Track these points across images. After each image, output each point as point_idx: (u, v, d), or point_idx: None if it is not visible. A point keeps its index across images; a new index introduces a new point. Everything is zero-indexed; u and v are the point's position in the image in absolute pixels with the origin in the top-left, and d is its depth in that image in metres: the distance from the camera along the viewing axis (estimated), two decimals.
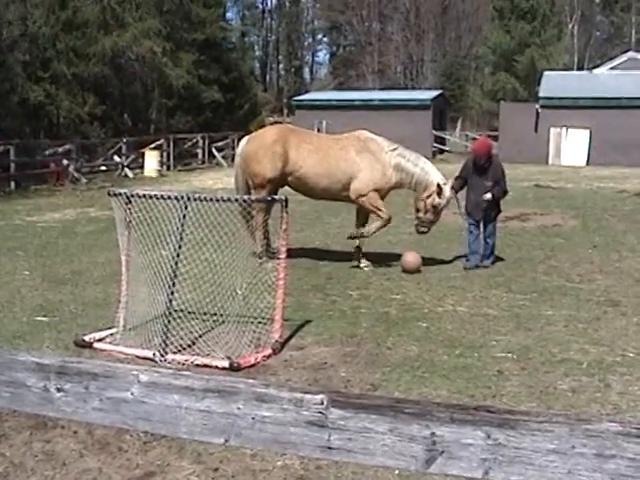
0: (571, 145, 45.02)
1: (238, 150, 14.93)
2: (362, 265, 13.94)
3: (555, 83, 48.34)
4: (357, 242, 14.17)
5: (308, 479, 5.83)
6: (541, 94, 47.71)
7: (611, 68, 53.12)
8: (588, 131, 44.55)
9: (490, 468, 2.01)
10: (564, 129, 45.07)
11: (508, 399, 7.56)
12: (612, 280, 13.17)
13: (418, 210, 14.19)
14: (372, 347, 9.28)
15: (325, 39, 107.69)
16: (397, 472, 5.81)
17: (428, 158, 15.16)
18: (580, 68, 69.73)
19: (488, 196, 13.88)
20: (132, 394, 2.35)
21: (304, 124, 35.85)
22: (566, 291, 12.32)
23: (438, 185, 13.74)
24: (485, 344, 9.44)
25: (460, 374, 8.31)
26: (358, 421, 2.10)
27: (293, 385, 2.19)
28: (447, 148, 52.59)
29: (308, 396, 2.14)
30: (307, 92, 69.91)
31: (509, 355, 9.00)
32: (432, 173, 13.96)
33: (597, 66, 59.86)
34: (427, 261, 14.37)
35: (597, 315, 10.88)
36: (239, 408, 2.21)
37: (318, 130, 46.13)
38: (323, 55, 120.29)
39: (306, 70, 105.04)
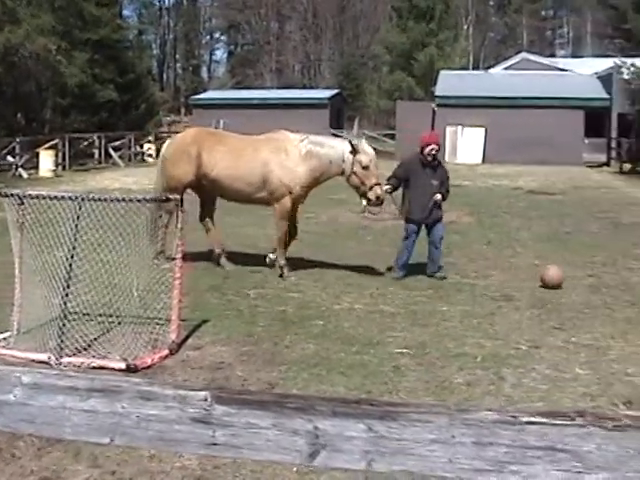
0: (467, 143, 45.89)
1: (160, 153, 14.81)
2: (272, 256, 13.58)
3: (451, 82, 49.16)
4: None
5: (206, 479, 5.82)
6: (437, 93, 48.55)
7: (505, 68, 54.37)
8: (483, 129, 45.50)
9: (373, 460, 2.04)
10: (460, 128, 45.89)
11: (405, 394, 7.65)
12: (506, 276, 13.45)
13: (361, 194, 13.24)
14: (269, 346, 9.29)
15: (223, 38, 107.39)
16: (295, 469, 5.83)
17: None
18: (476, 68, 71.08)
19: (438, 197, 13.02)
20: (15, 396, 2.32)
21: (202, 123, 35.69)
22: (461, 287, 12.54)
23: (350, 144, 13.00)
24: (382, 341, 9.53)
25: (357, 371, 8.38)
26: (242, 417, 2.11)
27: (177, 383, 2.18)
28: None
29: (192, 393, 2.14)
30: (205, 91, 69.77)
31: (405, 351, 9.11)
32: (341, 144, 13.32)
33: (492, 66, 61.13)
34: (325, 260, 14.45)
35: (492, 310, 11.11)
36: (124, 407, 2.20)
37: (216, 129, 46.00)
38: (221, 54, 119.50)
39: (204, 69, 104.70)
